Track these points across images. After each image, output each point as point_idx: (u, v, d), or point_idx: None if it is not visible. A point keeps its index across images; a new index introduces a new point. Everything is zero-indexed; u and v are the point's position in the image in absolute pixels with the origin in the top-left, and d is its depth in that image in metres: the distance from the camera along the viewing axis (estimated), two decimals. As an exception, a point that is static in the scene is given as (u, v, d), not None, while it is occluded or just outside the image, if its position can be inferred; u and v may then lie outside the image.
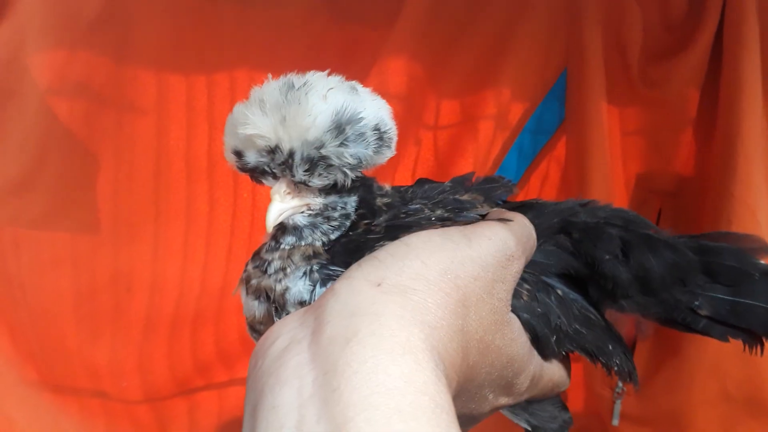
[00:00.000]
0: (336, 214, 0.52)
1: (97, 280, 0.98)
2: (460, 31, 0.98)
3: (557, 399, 0.58)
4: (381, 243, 0.47)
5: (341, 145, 0.46)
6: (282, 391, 0.35)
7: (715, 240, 0.56)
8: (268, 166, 0.48)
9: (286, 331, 0.40)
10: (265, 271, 0.51)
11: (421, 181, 0.61)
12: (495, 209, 0.54)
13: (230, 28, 0.93)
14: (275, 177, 0.49)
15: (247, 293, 0.53)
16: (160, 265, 0.99)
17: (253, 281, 0.52)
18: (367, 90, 0.50)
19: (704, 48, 0.99)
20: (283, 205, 0.49)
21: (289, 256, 0.51)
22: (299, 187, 0.49)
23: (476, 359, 0.44)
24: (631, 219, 0.56)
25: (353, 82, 0.50)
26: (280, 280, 0.50)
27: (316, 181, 0.48)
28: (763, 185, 0.93)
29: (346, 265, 0.46)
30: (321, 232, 0.52)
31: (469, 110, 1.02)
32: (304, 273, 0.50)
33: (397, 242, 0.45)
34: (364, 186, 0.53)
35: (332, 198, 0.51)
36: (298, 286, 0.49)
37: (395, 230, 0.49)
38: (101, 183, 0.96)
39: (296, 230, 0.52)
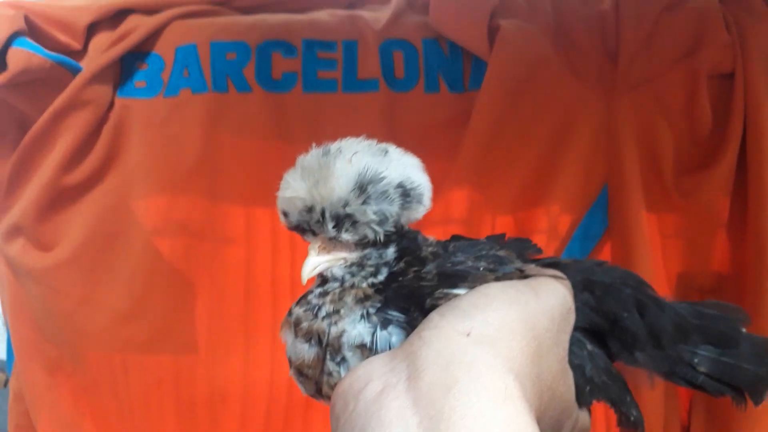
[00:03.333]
0: (373, 262, 0.54)
1: (196, 395, 1.08)
2: (513, 158, 1.10)
3: None
4: (440, 291, 0.50)
5: (364, 203, 0.50)
6: None
7: (708, 307, 0.61)
8: (308, 224, 0.52)
9: (376, 375, 0.41)
10: (316, 315, 0.53)
11: (456, 237, 0.65)
12: (532, 266, 0.58)
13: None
14: (314, 234, 0.52)
15: (296, 336, 0.54)
16: (250, 377, 1.09)
17: (304, 324, 0.54)
18: (399, 150, 0.54)
19: (730, 160, 1.10)
20: (318, 258, 0.53)
21: (341, 299, 0.53)
22: (333, 242, 0.53)
23: (546, 405, 0.47)
24: (640, 281, 0.61)
25: (386, 144, 0.54)
26: (335, 323, 0.52)
27: (346, 237, 0.51)
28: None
29: (403, 310, 0.50)
30: (362, 276, 0.54)
31: (523, 225, 1.13)
32: (362, 316, 0.51)
33: (475, 292, 0.47)
34: (406, 237, 0.56)
35: (368, 251, 0.54)
36: (357, 328, 0.51)
37: (450, 278, 0.52)
38: (198, 308, 1.07)
39: (335, 279, 0.55)
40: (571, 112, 1.10)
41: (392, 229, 0.53)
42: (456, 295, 0.49)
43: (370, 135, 0.61)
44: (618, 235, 1.15)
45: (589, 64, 1.12)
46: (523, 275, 0.54)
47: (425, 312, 0.48)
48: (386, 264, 0.55)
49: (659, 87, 1.10)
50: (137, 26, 1.08)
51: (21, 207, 1.05)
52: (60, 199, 1.05)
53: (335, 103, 1.09)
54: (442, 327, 0.43)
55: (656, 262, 1.15)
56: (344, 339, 0.51)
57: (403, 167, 0.53)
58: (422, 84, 1.10)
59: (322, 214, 0.51)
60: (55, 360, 1.08)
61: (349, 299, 0.53)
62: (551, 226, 1.12)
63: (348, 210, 0.50)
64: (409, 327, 0.49)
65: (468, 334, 0.42)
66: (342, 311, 0.52)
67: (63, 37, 1.04)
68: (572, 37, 1.13)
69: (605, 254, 1.17)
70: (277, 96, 1.08)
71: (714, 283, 1.15)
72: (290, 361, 0.56)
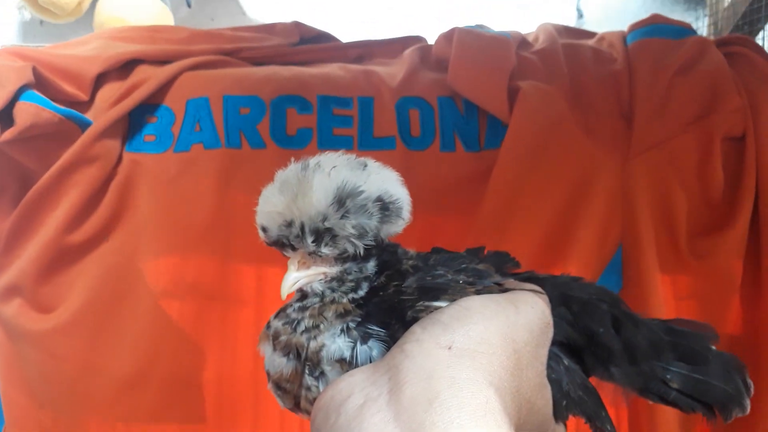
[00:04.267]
0: (353, 277, 0.54)
1: (203, 467, 1.02)
2: (531, 217, 1.08)
3: None
4: (420, 303, 0.50)
5: (343, 217, 0.50)
6: None
7: (679, 325, 0.62)
8: (287, 238, 0.51)
9: (358, 389, 0.42)
10: (295, 329, 0.53)
11: (436, 250, 0.65)
12: (511, 279, 0.57)
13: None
14: (294, 249, 0.52)
15: (274, 350, 0.54)
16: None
17: (282, 338, 0.53)
18: (378, 164, 0.54)
19: (744, 222, 1.10)
20: (298, 274, 0.53)
21: (320, 314, 0.53)
22: (313, 257, 0.53)
23: (525, 419, 0.47)
24: (615, 298, 0.61)
25: (365, 158, 0.54)
26: (315, 338, 0.51)
27: (326, 251, 0.51)
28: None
29: (384, 324, 0.50)
30: (342, 291, 0.54)
31: (539, 286, 1.11)
32: (341, 330, 0.51)
33: (455, 306, 0.47)
34: (386, 251, 0.56)
35: (348, 265, 0.54)
36: (337, 343, 0.51)
37: (430, 291, 0.52)
38: (207, 374, 1.02)
39: (315, 294, 0.54)
40: (587, 172, 1.09)
41: (372, 243, 0.53)
42: (437, 308, 0.49)
43: None
44: (633, 296, 1.13)
45: (603, 125, 1.12)
46: (501, 289, 0.54)
47: (406, 324, 0.48)
48: (366, 278, 0.55)
49: (673, 149, 1.11)
50: (147, 78, 1.04)
51: (20, 266, 0.99)
52: (62, 258, 0.99)
53: None
54: (423, 340, 0.43)
55: (670, 324, 1.13)
56: (323, 353, 0.51)
57: (381, 181, 0.53)
58: (438, 142, 1.09)
59: (302, 228, 0.50)
60: (50, 429, 1.01)
61: (329, 314, 0.53)
62: (567, 287, 1.11)
63: (327, 224, 0.50)
64: (391, 340, 0.49)
65: (449, 348, 0.42)
66: (321, 326, 0.52)
67: (69, 88, 1.00)
68: (587, 99, 1.13)
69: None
70: (292, 153, 1.03)
71: (727, 346, 1.14)
72: (268, 375, 0.55)
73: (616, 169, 1.11)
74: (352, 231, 0.51)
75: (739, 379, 0.59)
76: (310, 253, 0.52)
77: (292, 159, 0.54)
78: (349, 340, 0.51)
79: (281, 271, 1.05)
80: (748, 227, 1.11)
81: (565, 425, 0.58)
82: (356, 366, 0.49)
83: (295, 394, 0.53)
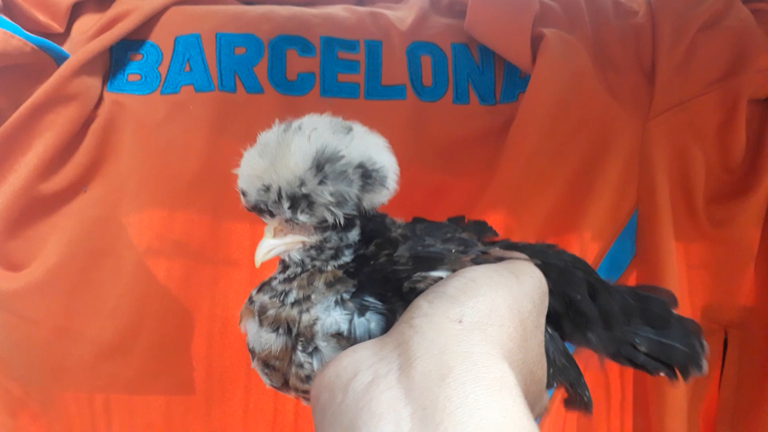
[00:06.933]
0: (333, 245, 0.53)
1: (190, 440, 0.94)
2: (547, 179, 1.01)
3: None
4: (418, 274, 0.49)
5: (321, 183, 0.48)
6: (379, 425, 0.36)
7: (644, 290, 0.64)
8: (265, 204, 0.50)
9: (365, 365, 0.40)
10: (284, 302, 0.51)
11: (417, 219, 0.64)
12: (496, 248, 0.57)
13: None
14: (272, 215, 0.50)
15: (261, 325, 0.52)
16: (251, 421, 0.96)
17: (270, 312, 0.51)
18: (364, 129, 0.52)
19: (764, 190, 1.05)
20: (273, 241, 0.51)
21: (310, 283, 0.51)
22: (291, 224, 0.51)
23: (527, 389, 0.46)
24: (587, 265, 0.62)
25: (351, 122, 0.52)
26: (307, 310, 0.50)
27: (302, 218, 0.49)
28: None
29: (380, 296, 0.48)
30: (322, 260, 0.53)
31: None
32: (336, 302, 0.49)
33: (459, 278, 0.46)
34: (373, 221, 0.54)
35: (328, 234, 0.52)
36: (332, 316, 0.49)
37: (425, 261, 0.51)
38: (196, 341, 0.93)
39: (294, 263, 0.53)
40: (607, 132, 1.03)
41: (353, 213, 0.50)
42: (436, 278, 0.48)
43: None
44: (645, 264, 1.08)
45: (624, 82, 1.05)
46: (495, 257, 0.52)
47: (403, 296, 0.47)
48: (348, 246, 0.53)
49: (694, 110, 1.05)
50: (130, 10, 0.92)
51: (-15, 218, 0.87)
52: (34, 209, 0.88)
53: (356, 111, 0.97)
54: (432, 314, 0.42)
55: (681, 293, 1.09)
56: (318, 327, 0.49)
57: (365, 146, 0.50)
58: (451, 93, 1.00)
59: (279, 193, 0.48)
60: (19, 400, 0.91)
61: (319, 284, 0.51)
62: (581, 253, 1.04)
63: (304, 190, 0.48)
64: (389, 313, 0.48)
65: (460, 321, 0.41)
66: (313, 296, 0.50)
67: (42, 17, 0.88)
68: (608, 53, 1.06)
69: (630, 284, 1.10)
70: (292, 99, 0.95)
71: (739, 318, 1.11)
72: (252, 353, 0.53)
73: (636, 130, 1.05)
74: (330, 198, 0.48)
75: (696, 341, 0.62)
76: (287, 220, 0.50)
77: (276, 123, 0.50)
78: (346, 312, 0.49)
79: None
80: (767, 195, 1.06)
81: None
82: (354, 340, 0.47)
83: (284, 372, 0.51)
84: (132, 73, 0.92)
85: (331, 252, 0.53)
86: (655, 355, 0.60)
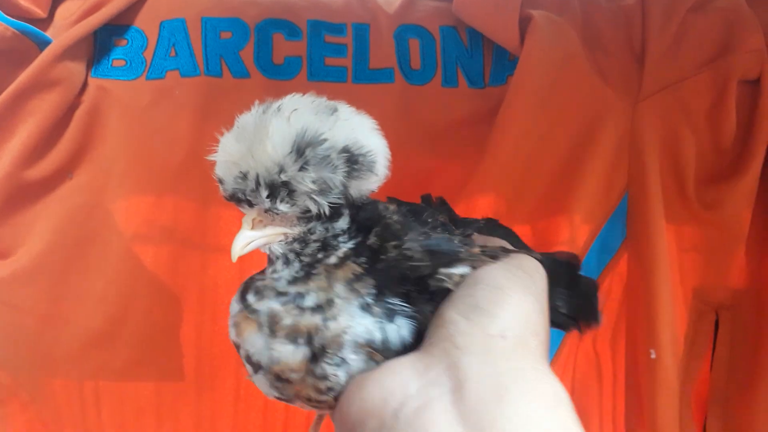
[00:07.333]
0: (318, 237, 0.48)
1: (180, 427, 0.94)
2: (537, 162, 1.01)
3: None
4: (441, 272, 0.46)
5: (301, 169, 0.43)
6: None
7: (558, 256, 0.65)
8: (243, 192, 0.45)
9: (414, 389, 0.38)
10: (301, 307, 0.47)
11: (392, 200, 0.61)
12: (495, 240, 0.59)
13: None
14: (251, 205, 0.46)
15: (274, 336, 0.47)
16: (242, 408, 0.95)
17: (286, 320, 0.47)
18: (350, 110, 0.48)
19: (755, 171, 1.05)
20: (252, 233, 0.46)
21: (330, 285, 0.47)
22: (271, 215, 0.46)
23: None
24: (517, 236, 0.65)
25: (336, 102, 0.48)
26: (334, 317, 0.45)
27: (283, 208, 0.45)
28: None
29: (403, 296, 0.46)
30: (308, 254, 0.48)
31: (542, 236, 1.04)
32: (362, 307, 0.46)
33: (484, 285, 0.44)
34: (364, 209, 0.50)
35: (312, 224, 0.48)
36: (362, 323, 0.45)
37: (441, 256, 0.48)
38: (185, 327, 0.92)
39: (279, 259, 0.49)
40: (597, 114, 1.02)
41: (339, 201, 0.46)
42: (459, 276, 0.46)
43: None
44: (636, 246, 1.08)
45: (614, 64, 1.04)
46: (500, 250, 0.51)
47: (430, 295, 0.45)
48: (335, 237, 0.48)
49: (684, 91, 1.04)
50: (114, -6, 0.91)
51: (-31, 204, 0.86)
52: (19, 196, 0.87)
53: (344, 94, 0.94)
54: (473, 333, 0.41)
55: (673, 276, 1.09)
56: (347, 336, 0.45)
57: (350, 129, 0.46)
58: (440, 77, 1.00)
59: (257, 181, 0.44)
60: (7, 388, 0.90)
61: (337, 284, 0.47)
62: (571, 237, 1.04)
63: (283, 177, 0.44)
64: (420, 316, 0.45)
65: (503, 337, 0.41)
66: (336, 300, 0.46)
67: (24, 2, 0.87)
68: (598, 35, 1.05)
69: (621, 267, 1.10)
70: (279, 83, 0.94)
71: (730, 300, 1.10)
72: (256, 366, 0.48)
73: (626, 112, 1.04)
74: (312, 186, 0.44)
75: (597, 296, 0.65)
76: (266, 210, 0.46)
77: (256, 102, 0.47)
78: (376, 319, 0.45)
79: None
80: (758, 177, 1.05)
81: None
82: (386, 351, 0.44)
83: (299, 384, 0.47)
84: (117, 59, 0.91)
85: (317, 245, 0.48)
86: (572, 314, 0.60)
